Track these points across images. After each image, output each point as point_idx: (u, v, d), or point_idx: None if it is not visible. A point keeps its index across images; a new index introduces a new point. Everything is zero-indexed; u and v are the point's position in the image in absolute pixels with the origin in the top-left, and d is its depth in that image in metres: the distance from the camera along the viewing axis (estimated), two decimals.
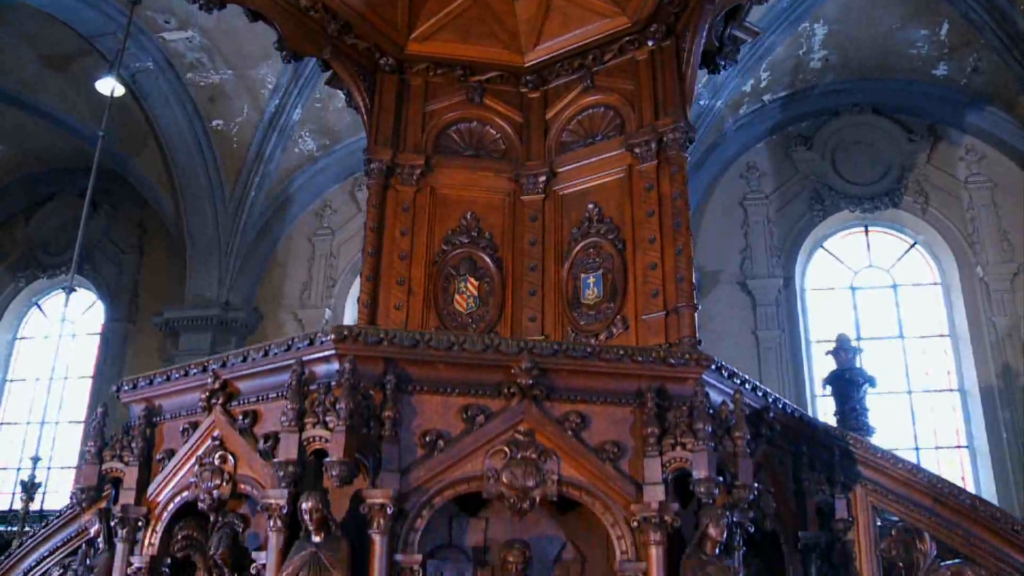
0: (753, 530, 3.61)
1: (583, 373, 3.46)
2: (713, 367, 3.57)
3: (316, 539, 3.14)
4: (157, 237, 12.17)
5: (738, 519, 3.45)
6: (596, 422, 3.45)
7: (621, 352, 3.48)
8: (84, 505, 3.93)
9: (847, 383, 5.52)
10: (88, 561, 3.92)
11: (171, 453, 3.82)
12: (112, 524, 3.82)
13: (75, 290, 11.08)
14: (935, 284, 10.93)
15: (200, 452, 3.65)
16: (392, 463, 3.24)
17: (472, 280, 5.89)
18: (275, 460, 3.26)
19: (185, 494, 3.69)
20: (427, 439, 3.33)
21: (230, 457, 3.56)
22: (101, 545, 3.92)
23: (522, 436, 3.35)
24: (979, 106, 10.56)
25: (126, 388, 4.04)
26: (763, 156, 11.24)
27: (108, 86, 9.05)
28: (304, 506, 3.13)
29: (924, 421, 10.39)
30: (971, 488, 9.50)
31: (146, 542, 3.75)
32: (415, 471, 3.28)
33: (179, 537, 3.78)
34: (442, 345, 3.39)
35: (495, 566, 3.39)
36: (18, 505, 8.80)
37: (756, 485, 3.53)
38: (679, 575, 3.27)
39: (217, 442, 3.61)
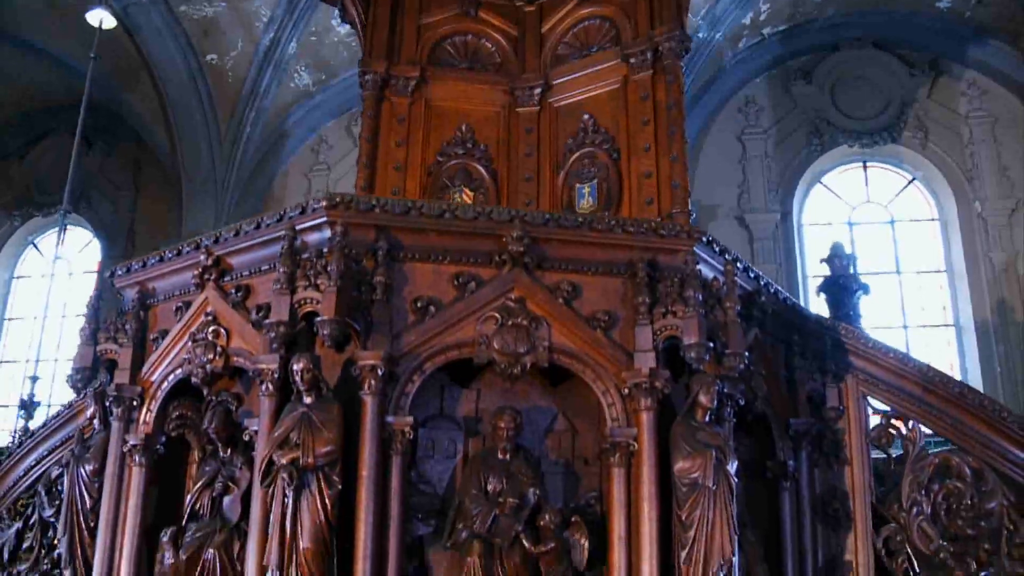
0: (744, 404, 3.64)
1: (574, 243, 3.47)
2: (704, 240, 3.58)
3: (307, 400, 3.16)
4: (153, 174, 12.09)
5: (728, 391, 3.47)
6: (587, 292, 3.46)
7: (612, 222, 3.48)
8: (80, 386, 3.95)
9: (841, 290, 5.52)
10: (85, 441, 3.94)
11: (165, 333, 3.84)
12: (107, 404, 3.85)
13: (68, 222, 11.07)
14: (933, 220, 10.89)
15: (193, 328, 3.66)
16: (383, 326, 3.25)
17: (467, 191, 5.89)
18: (267, 321, 3.27)
19: (178, 371, 3.72)
20: (418, 305, 3.35)
21: (223, 331, 3.58)
22: (97, 426, 3.95)
23: (513, 303, 3.36)
24: (983, 39, 10.44)
25: (120, 272, 4.05)
26: (762, 90, 11.13)
27: (97, 17, 8.94)
28: (295, 367, 3.15)
29: (919, 357, 10.39)
30: None
31: (141, 421, 3.78)
32: (406, 336, 3.29)
33: (173, 417, 3.81)
34: (434, 213, 3.39)
35: (486, 435, 3.43)
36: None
37: (748, 362, 3.54)
38: (669, 441, 3.30)
39: (210, 317, 3.62)
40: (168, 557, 3.59)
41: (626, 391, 3.33)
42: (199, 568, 3.47)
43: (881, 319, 10.05)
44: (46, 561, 4.95)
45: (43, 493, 5.06)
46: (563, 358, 3.35)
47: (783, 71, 11.16)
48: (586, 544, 3.25)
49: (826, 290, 5.49)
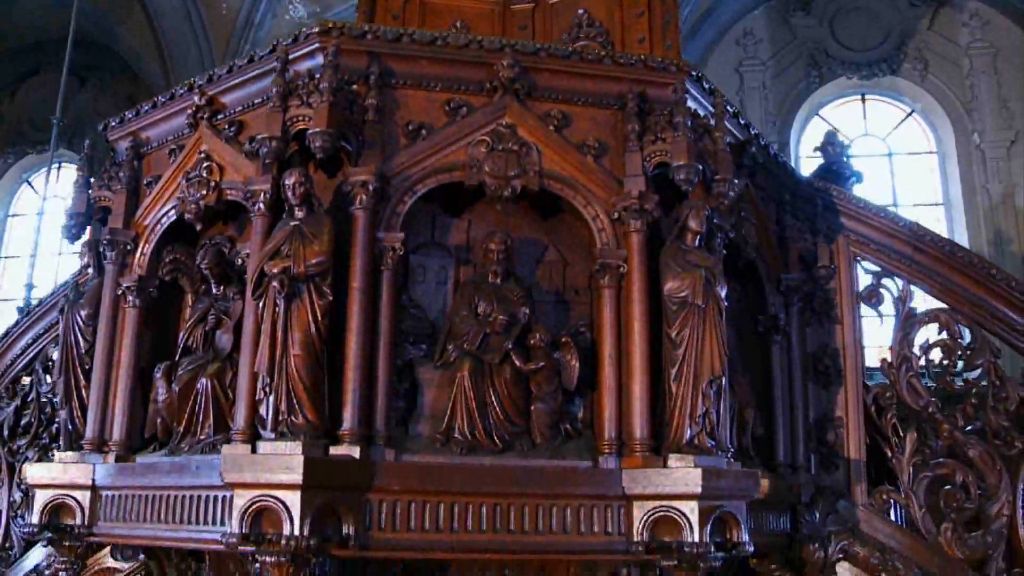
0: (733, 237, 3.64)
1: (565, 73, 3.47)
2: (694, 75, 3.58)
3: (299, 215, 3.17)
4: None
5: (719, 221, 3.49)
6: (578, 121, 3.47)
7: (603, 54, 3.49)
8: (74, 232, 3.97)
9: (835, 176, 5.55)
10: (79, 287, 3.97)
11: (158, 179, 3.84)
12: (101, 250, 3.87)
13: (62, 159, 11.07)
14: (931, 152, 10.92)
15: (187, 168, 3.66)
16: (375, 147, 3.27)
17: None
18: (259, 137, 3.28)
19: (172, 213, 3.73)
20: (410, 128, 3.36)
21: (216, 167, 3.58)
22: (92, 273, 3.97)
23: (504, 129, 3.37)
24: None
25: (114, 123, 4.05)
26: (760, 22, 11.11)
27: None
28: (288, 181, 3.16)
29: None
30: None
31: (135, 264, 3.80)
32: (398, 157, 3.30)
33: (167, 261, 3.83)
34: (425, 39, 3.40)
35: (477, 263, 3.45)
36: None
37: (737, 194, 3.56)
38: (659, 264, 3.32)
39: (203, 155, 3.62)
40: (162, 392, 3.63)
41: (616, 215, 3.34)
42: (192, 399, 3.50)
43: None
44: (44, 436, 5.02)
45: (41, 371, 5.12)
46: (553, 183, 3.37)
47: (781, 2, 11.14)
48: (576, 364, 3.27)
49: (820, 177, 5.53)
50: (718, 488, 3.07)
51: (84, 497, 3.61)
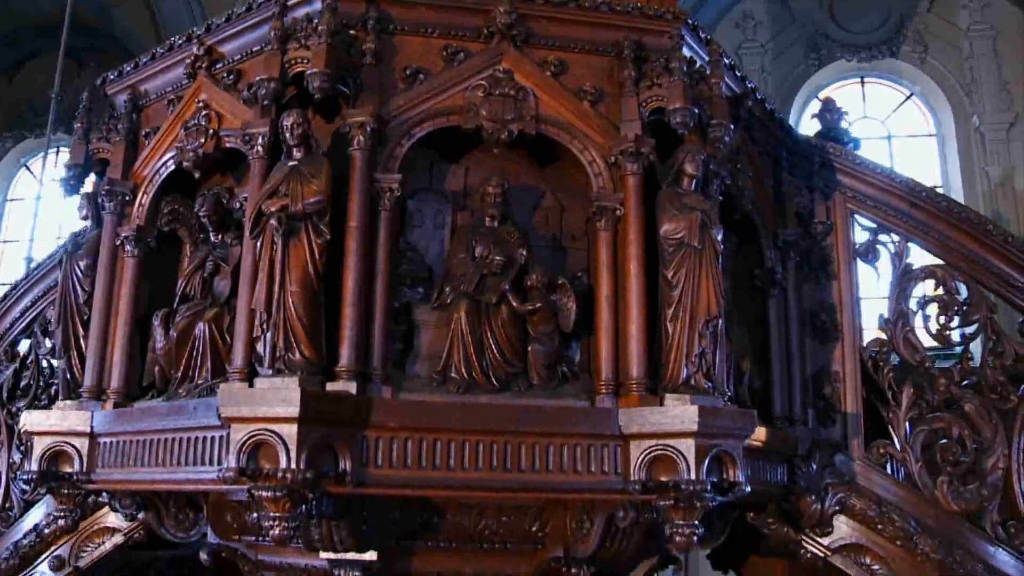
0: (730, 184, 3.66)
1: (561, 21, 3.49)
2: (690, 24, 3.60)
3: (297, 155, 3.19)
4: None
5: (715, 168, 3.50)
6: (574, 68, 3.48)
7: (599, 1, 3.50)
8: (72, 183, 3.99)
9: (833, 142, 5.54)
10: (77, 239, 3.98)
11: (157, 130, 3.86)
12: (100, 200, 3.89)
13: (61, 143, 11.05)
14: (930, 135, 10.93)
15: (186, 118, 3.68)
16: (373, 88, 3.28)
17: None
18: (258, 79, 3.29)
19: (170, 163, 3.74)
20: (408, 73, 3.37)
21: (214, 115, 3.59)
22: (90, 225, 3.99)
23: (501, 74, 3.38)
24: None
25: (112, 77, 4.07)
26: (759, 4, 11.12)
27: None
28: (286, 122, 3.17)
29: None
30: None
31: (133, 214, 3.81)
32: (395, 100, 3.32)
33: (165, 212, 3.84)
34: None
35: (474, 209, 3.46)
36: None
37: (734, 140, 3.58)
38: (655, 207, 3.33)
39: (201, 104, 3.63)
40: (160, 340, 3.64)
41: (612, 159, 3.35)
42: (189, 344, 3.51)
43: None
44: (43, 397, 5.03)
45: (39, 333, 5.12)
46: (550, 128, 3.38)
47: None
48: (573, 307, 3.29)
49: None
50: (715, 426, 3.08)
51: (82, 444, 3.62)
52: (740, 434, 3.18)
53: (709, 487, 3.05)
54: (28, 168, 12.77)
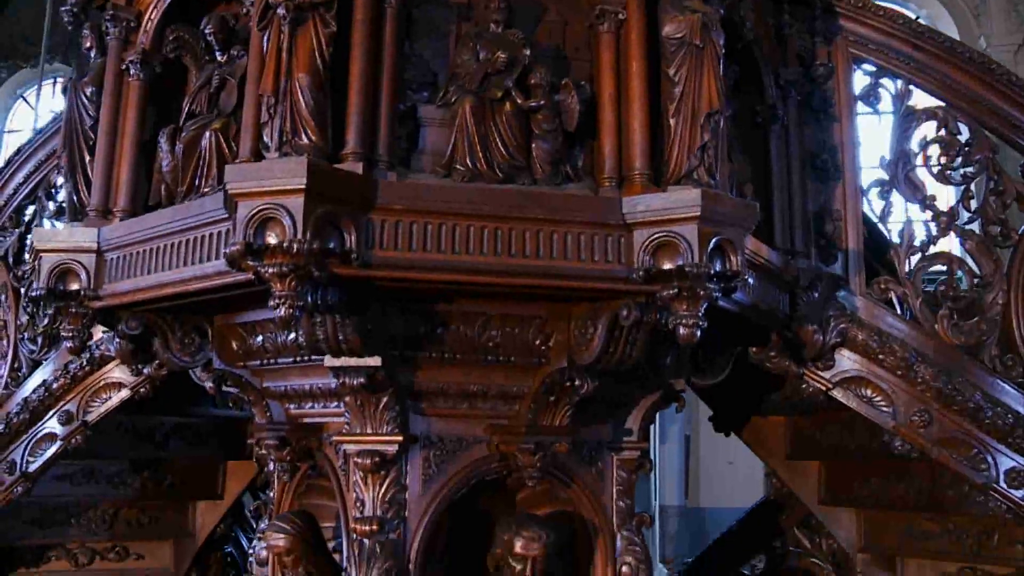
0: (730, 9, 3.66)
1: None
2: None
3: None
4: None
5: None
6: None
7: None
8: (75, 12, 3.99)
9: None
10: (82, 67, 3.99)
11: None
12: (104, 27, 3.89)
13: (57, 74, 11.02)
14: None
15: None
16: None
17: None
18: None
19: None
20: None
21: None
22: (95, 54, 3.99)
23: None
24: None
25: None
26: None
27: None
28: None
29: None
30: None
31: (138, 40, 3.82)
32: None
33: (170, 39, 3.85)
34: None
35: (478, 18, 3.46)
36: None
37: None
38: (657, 13, 3.34)
39: None
40: (166, 159, 3.67)
41: None
42: (196, 156, 3.54)
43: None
44: None
45: (44, 198, 5.15)
46: None
47: None
48: (576, 106, 3.30)
49: None
50: (717, 212, 3.10)
51: (89, 261, 3.65)
52: (742, 224, 3.20)
53: (712, 273, 3.08)
54: (25, 99, 12.73)
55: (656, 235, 3.10)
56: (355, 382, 3.43)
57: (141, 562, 5.70)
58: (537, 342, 3.54)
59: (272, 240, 2.89)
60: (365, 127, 3.10)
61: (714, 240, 3.09)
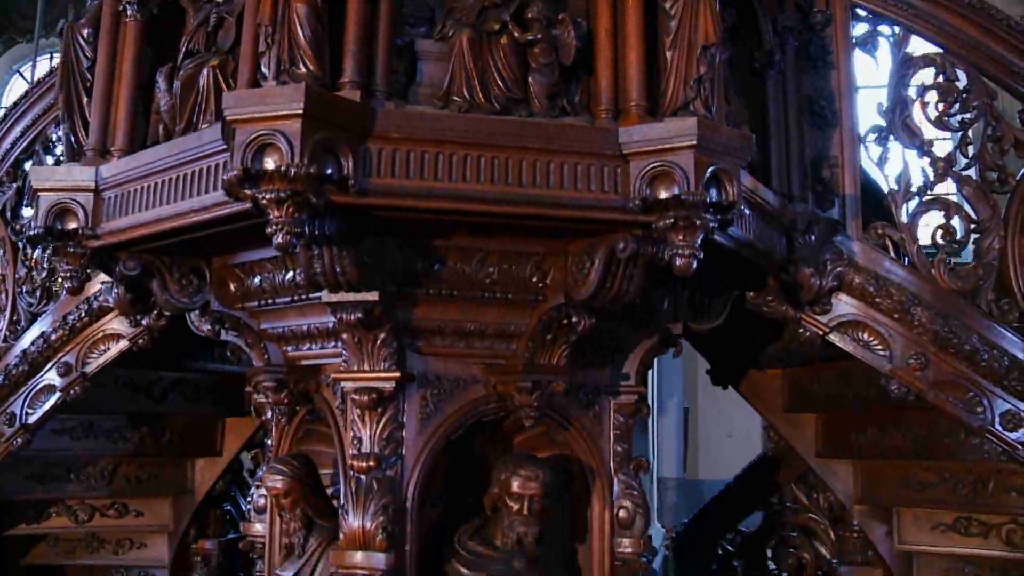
0: None
1: None
2: None
3: None
4: None
5: None
6: None
7: None
8: None
9: None
10: (79, 9, 3.99)
11: None
12: None
13: (52, 50, 10.99)
14: None
15: None
16: None
17: None
18: None
19: None
20: None
21: None
22: None
23: None
24: None
25: None
26: None
27: None
28: None
29: None
30: None
31: None
32: None
33: None
34: None
35: None
36: None
37: None
38: None
39: None
40: (164, 98, 3.67)
41: None
42: (193, 93, 3.54)
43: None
44: None
45: (41, 152, 5.15)
46: None
47: None
48: (573, 41, 3.31)
49: None
50: (713, 142, 3.10)
51: (87, 200, 3.65)
52: (738, 154, 3.20)
53: (708, 202, 3.08)
54: (21, 74, 12.72)
55: (652, 165, 3.10)
56: (352, 317, 3.44)
57: (140, 519, 5.72)
58: (534, 279, 3.54)
59: (270, 165, 2.88)
60: (363, 57, 3.10)
61: (710, 169, 3.09)
